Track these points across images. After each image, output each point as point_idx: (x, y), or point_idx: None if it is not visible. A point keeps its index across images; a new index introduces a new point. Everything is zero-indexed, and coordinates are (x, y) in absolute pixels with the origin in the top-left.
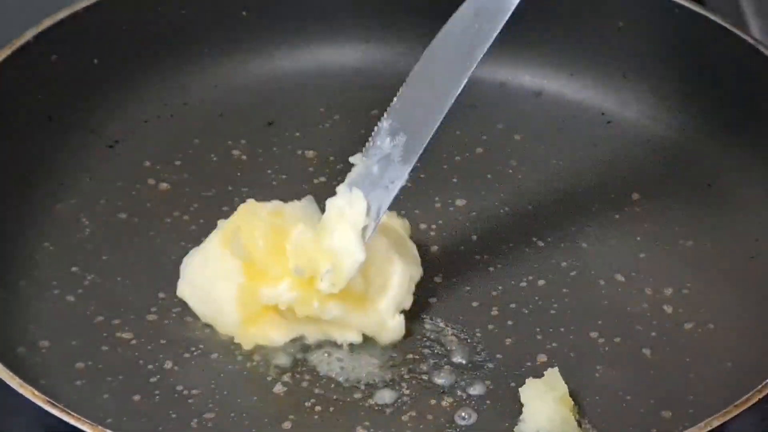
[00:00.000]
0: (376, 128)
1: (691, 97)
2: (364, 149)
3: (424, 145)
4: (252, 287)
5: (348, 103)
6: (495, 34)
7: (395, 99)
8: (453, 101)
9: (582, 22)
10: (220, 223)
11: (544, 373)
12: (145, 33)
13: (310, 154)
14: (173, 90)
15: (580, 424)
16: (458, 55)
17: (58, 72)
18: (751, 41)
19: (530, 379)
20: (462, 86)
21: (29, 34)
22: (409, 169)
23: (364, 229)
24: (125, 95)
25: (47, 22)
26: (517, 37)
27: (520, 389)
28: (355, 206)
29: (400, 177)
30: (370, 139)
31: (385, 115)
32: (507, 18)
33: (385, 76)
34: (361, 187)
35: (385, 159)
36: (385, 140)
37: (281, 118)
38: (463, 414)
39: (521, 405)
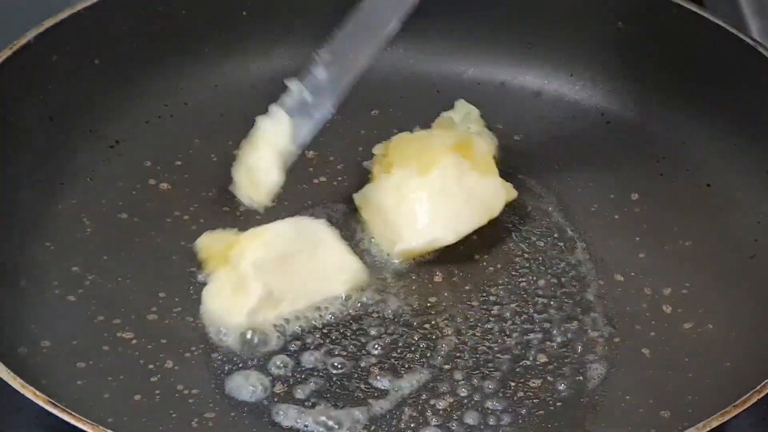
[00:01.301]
0: (314, 57)
1: (691, 98)
2: (300, 76)
3: (351, 82)
4: None
5: (348, 103)
6: None
7: (336, 32)
8: (383, 41)
9: (582, 22)
10: None
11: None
12: (145, 33)
13: (310, 154)
14: (174, 90)
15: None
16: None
17: (59, 72)
18: (751, 41)
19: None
20: (392, 27)
21: (30, 35)
22: (334, 102)
23: (287, 152)
24: (126, 95)
25: (48, 23)
26: (517, 37)
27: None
28: (281, 129)
29: (326, 108)
30: (308, 66)
31: (324, 46)
32: None
33: (385, 76)
34: (291, 112)
35: (318, 89)
36: (320, 70)
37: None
38: (463, 414)
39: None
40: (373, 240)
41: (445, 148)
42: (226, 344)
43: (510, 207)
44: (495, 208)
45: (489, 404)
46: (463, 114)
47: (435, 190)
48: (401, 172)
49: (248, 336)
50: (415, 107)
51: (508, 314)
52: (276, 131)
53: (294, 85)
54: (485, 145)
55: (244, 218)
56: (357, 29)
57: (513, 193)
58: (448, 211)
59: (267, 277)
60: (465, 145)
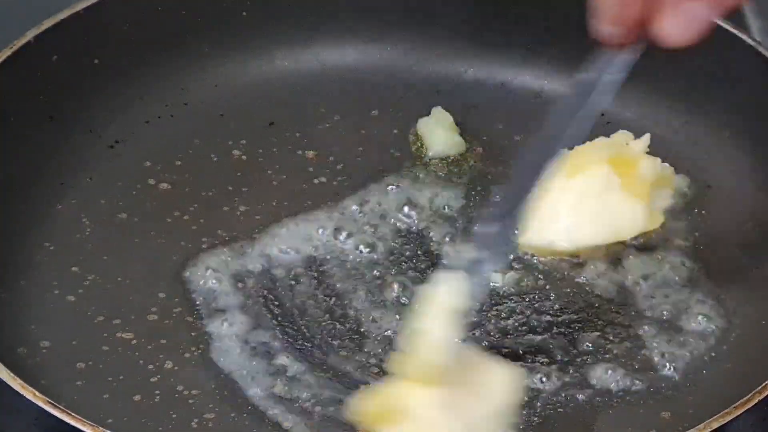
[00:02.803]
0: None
1: (691, 97)
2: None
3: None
4: None
5: (348, 103)
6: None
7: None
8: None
9: (582, 22)
10: None
11: (432, 109)
12: (145, 33)
13: (310, 154)
14: (173, 90)
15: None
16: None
17: (59, 72)
18: (751, 42)
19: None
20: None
21: (30, 35)
22: (509, 251)
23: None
24: (125, 95)
25: (47, 23)
26: (517, 37)
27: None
28: (455, 289)
29: (502, 259)
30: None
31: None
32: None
33: (385, 76)
34: (467, 269)
35: (490, 244)
36: (490, 226)
37: (281, 118)
38: None
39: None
40: None
41: (599, 158)
42: None
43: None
44: (625, 232)
45: None
46: (440, 120)
47: (572, 196)
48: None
49: None
50: (415, 107)
51: (508, 314)
52: (450, 292)
53: (465, 247)
54: (651, 172)
55: (244, 218)
56: (523, 174)
57: (657, 223)
58: (575, 220)
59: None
60: (624, 162)
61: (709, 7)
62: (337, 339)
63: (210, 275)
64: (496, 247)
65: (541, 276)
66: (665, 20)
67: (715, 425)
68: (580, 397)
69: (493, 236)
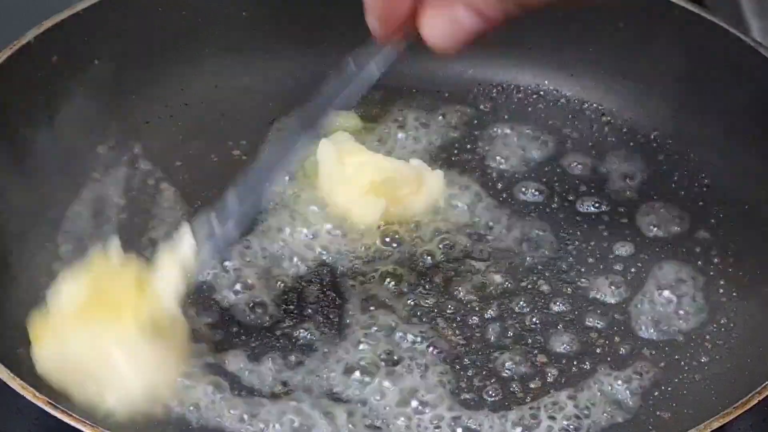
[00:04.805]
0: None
1: (691, 97)
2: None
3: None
4: None
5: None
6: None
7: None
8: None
9: (582, 22)
10: None
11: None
12: (145, 33)
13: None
14: (174, 90)
15: None
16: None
17: (58, 72)
18: (751, 42)
19: None
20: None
21: (30, 35)
22: (239, 230)
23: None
24: (126, 96)
25: (47, 23)
26: (517, 37)
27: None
28: (185, 252)
29: (231, 235)
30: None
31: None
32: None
33: (386, 76)
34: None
35: (226, 219)
36: (232, 204)
37: (281, 118)
38: (462, 415)
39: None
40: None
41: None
42: None
43: (510, 208)
44: None
45: (488, 406)
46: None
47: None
48: None
49: None
50: (416, 107)
51: (508, 314)
52: (181, 253)
53: (209, 216)
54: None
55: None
56: (267, 164)
57: None
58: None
59: None
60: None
61: (471, 16)
62: (341, 337)
63: (210, 275)
64: (231, 223)
65: (540, 277)
66: (427, 21)
67: (716, 425)
68: (580, 397)
69: (232, 214)
